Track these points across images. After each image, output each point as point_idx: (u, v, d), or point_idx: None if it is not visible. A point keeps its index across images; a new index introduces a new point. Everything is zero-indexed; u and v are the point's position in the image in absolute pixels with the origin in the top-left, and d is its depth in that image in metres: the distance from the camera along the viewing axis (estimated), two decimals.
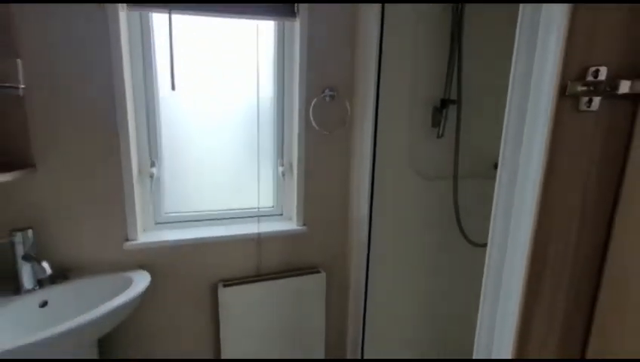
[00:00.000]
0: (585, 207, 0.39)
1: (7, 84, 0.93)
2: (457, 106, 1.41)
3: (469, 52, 1.39)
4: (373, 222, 1.42)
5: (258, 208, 1.43)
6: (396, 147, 1.46)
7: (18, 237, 0.99)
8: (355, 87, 1.40)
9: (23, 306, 0.99)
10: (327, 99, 1.35)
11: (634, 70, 0.36)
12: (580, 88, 0.38)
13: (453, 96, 1.43)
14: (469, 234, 1.52)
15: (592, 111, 0.39)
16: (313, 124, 1.33)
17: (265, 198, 1.48)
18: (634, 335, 0.40)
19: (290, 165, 1.44)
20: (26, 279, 1.02)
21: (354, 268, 1.50)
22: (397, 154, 1.47)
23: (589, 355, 0.42)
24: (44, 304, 1.03)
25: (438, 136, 1.51)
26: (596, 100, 0.39)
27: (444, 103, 1.44)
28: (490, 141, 1.47)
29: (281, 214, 1.50)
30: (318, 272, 1.43)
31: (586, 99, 0.39)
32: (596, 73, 0.38)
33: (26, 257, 1.00)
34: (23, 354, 0.81)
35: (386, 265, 1.52)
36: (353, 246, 1.49)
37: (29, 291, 1.02)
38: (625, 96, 0.36)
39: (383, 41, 1.28)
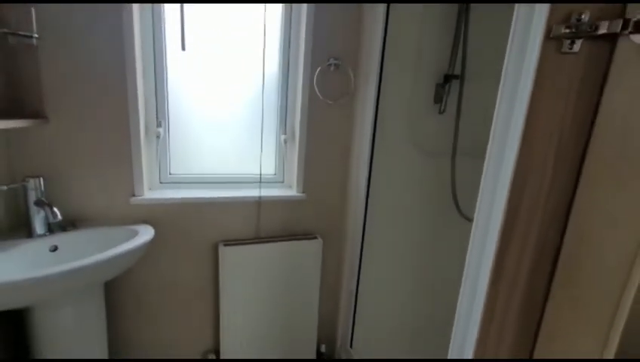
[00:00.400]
0: (561, 143, 0.42)
1: (21, 32, 0.95)
2: (460, 82, 1.42)
3: (475, 26, 1.38)
4: (370, 192, 1.46)
5: (260, 173, 1.46)
6: (397, 120, 1.48)
7: (31, 184, 1.04)
8: (360, 58, 1.41)
9: (35, 249, 1.05)
10: (332, 68, 1.37)
11: (614, 12, 0.39)
12: (564, 30, 0.41)
13: (458, 72, 1.44)
14: (465, 211, 1.55)
15: (574, 53, 0.41)
16: (317, 92, 1.35)
17: (267, 166, 1.52)
18: (593, 276, 0.44)
19: (293, 133, 1.47)
20: (38, 224, 1.08)
21: (350, 237, 1.55)
22: (398, 128, 1.49)
23: (552, 295, 0.46)
24: (54, 249, 1.09)
25: (440, 112, 1.53)
26: (578, 43, 0.41)
27: (448, 78, 1.45)
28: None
29: (282, 181, 1.54)
30: (315, 238, 1.49)
31: (568, 41, 0.42)
32: (579, 16, 0.41)
33: (38, 203, 1.05)
34: (35, 289, 0.87)
35: (382, 236, 1.57)
36: (350, 216, 1.53)
37: (40, 236, 1.08)
38: (603, 36, 0.39)
39: (390, 12, 1.29)
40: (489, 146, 0.49)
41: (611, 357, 0.42)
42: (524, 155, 0.46)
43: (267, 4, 1.33)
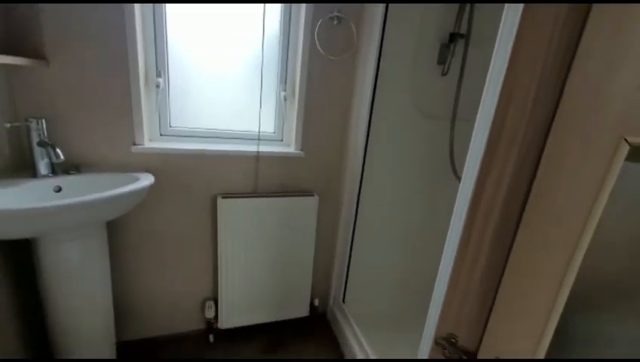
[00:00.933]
0: (545, 69, 0.43)
1: None
2: (465, 42, 1.39)
3: None
4: (368, 152, 1.47)
5: (259, 126, 1.47)
6: (399, 80, 1.46)
7: (33, 124, 1.07)
8: (364, 11, 1.37)
9: (40, 188, 1.09)
10: (335, 21, 1.34)
11: None
12: None
13: (464, 31, 1.40)
14: (461, 175, 1.56)
15: None
16: (318, 46, 1.33)
17: (267, 124, 1.52)
18: (565, 201, 0.45)
19: (293, 89, 1.46)
20: (42, 165, 1.11)
21: (346, 196, 1.58)
22: (399, 88, 1.48)
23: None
24: (58, 189, 1.13)
25: (443, 74, 1.50)
26: None
27: (453, 37, 1.42)
28: None
29: (281, 140, 1.56)
30: (312, 196, 1.52)
31: None
32: None
33: (41, 143, 1.08)
34: (40, 219, 0.91)
35: (377, 196, 1.60)
36: (347, 174, 1.55)
37: (44, 176, 1.12)
38: None
39: None
40: (488, 76, 0.50)
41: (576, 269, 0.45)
42: (510, 81, 0.47)
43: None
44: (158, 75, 1.30)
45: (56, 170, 1.15)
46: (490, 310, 0.55)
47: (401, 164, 1.60)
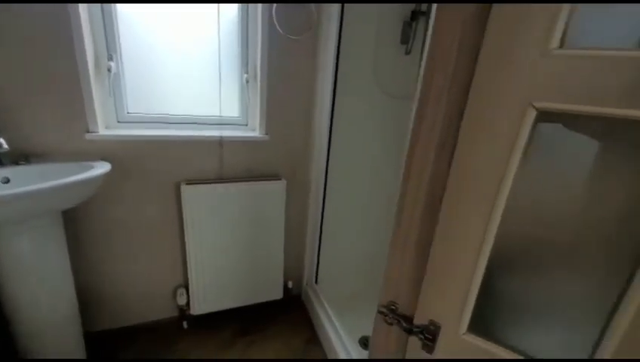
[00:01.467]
0: (464, 36, 0.44)
1: None
2: (426, 18, 1.38)
3: None
4: (333, 134, 1.47)
5: (220, 108, 1.44)
6: (362, 60, 1.45)
7: None
8: None
9: None
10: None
11: None
12: None
13: (425, 8, 1.39)
14: None
15: None
16: (277, 26, 1.30)
17: (231, 108, 1.49)
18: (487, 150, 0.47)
19: (255, 72, 1.43)
20: None
21: (314, 178, 1.58)
22: (362, 68, 1.47)
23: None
24: (6, 181, 1.08)
25: (407, 53, 1.50)
26: None
27: (415, 15, 1.41)
28: None
29: (246, 124, 1.53)
30: (279, 179, 1.51)
31: None
32: None
33: None
34: None
35: (344, 177, 1.61)
36: (314, 157, 1.55)
37: None
38: None
39: None
40: None
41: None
42: (433, 50, 0.48)
43: None
44: (110, 58, 1.25)
45: (3, 160, 1.10)
46: (423, 275, 0.57)
47: (368, 145, 1.61)
